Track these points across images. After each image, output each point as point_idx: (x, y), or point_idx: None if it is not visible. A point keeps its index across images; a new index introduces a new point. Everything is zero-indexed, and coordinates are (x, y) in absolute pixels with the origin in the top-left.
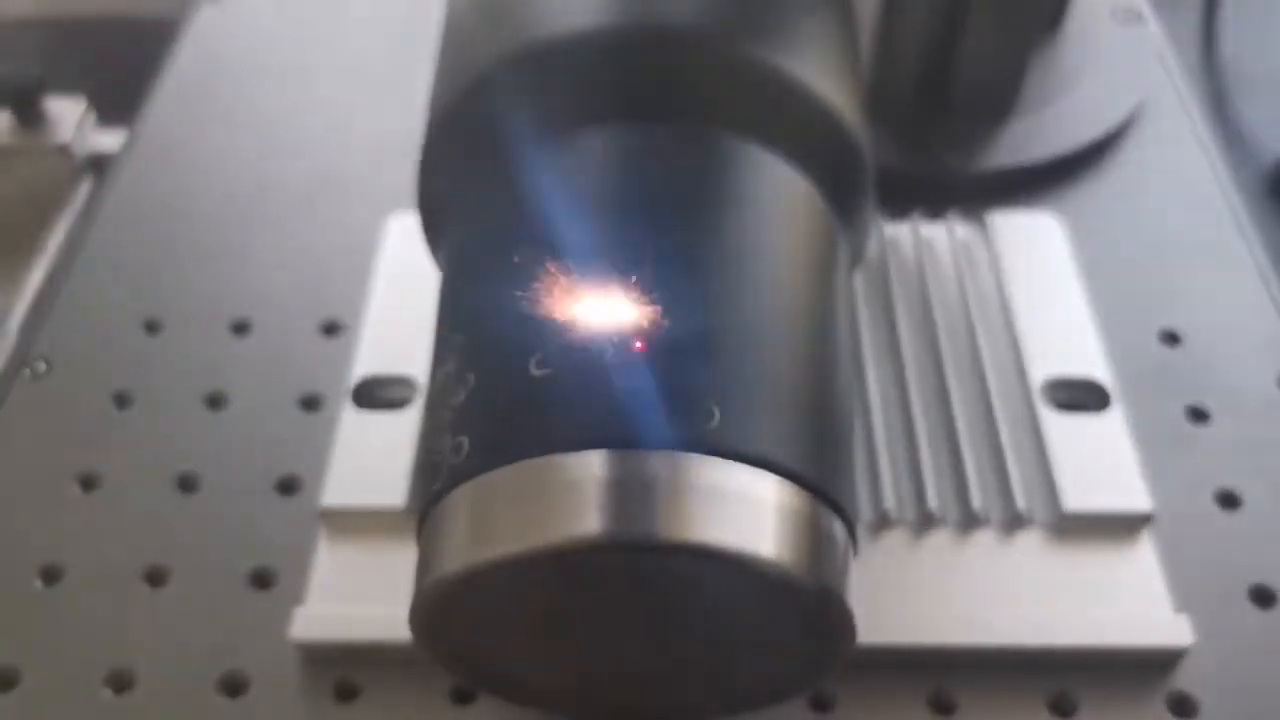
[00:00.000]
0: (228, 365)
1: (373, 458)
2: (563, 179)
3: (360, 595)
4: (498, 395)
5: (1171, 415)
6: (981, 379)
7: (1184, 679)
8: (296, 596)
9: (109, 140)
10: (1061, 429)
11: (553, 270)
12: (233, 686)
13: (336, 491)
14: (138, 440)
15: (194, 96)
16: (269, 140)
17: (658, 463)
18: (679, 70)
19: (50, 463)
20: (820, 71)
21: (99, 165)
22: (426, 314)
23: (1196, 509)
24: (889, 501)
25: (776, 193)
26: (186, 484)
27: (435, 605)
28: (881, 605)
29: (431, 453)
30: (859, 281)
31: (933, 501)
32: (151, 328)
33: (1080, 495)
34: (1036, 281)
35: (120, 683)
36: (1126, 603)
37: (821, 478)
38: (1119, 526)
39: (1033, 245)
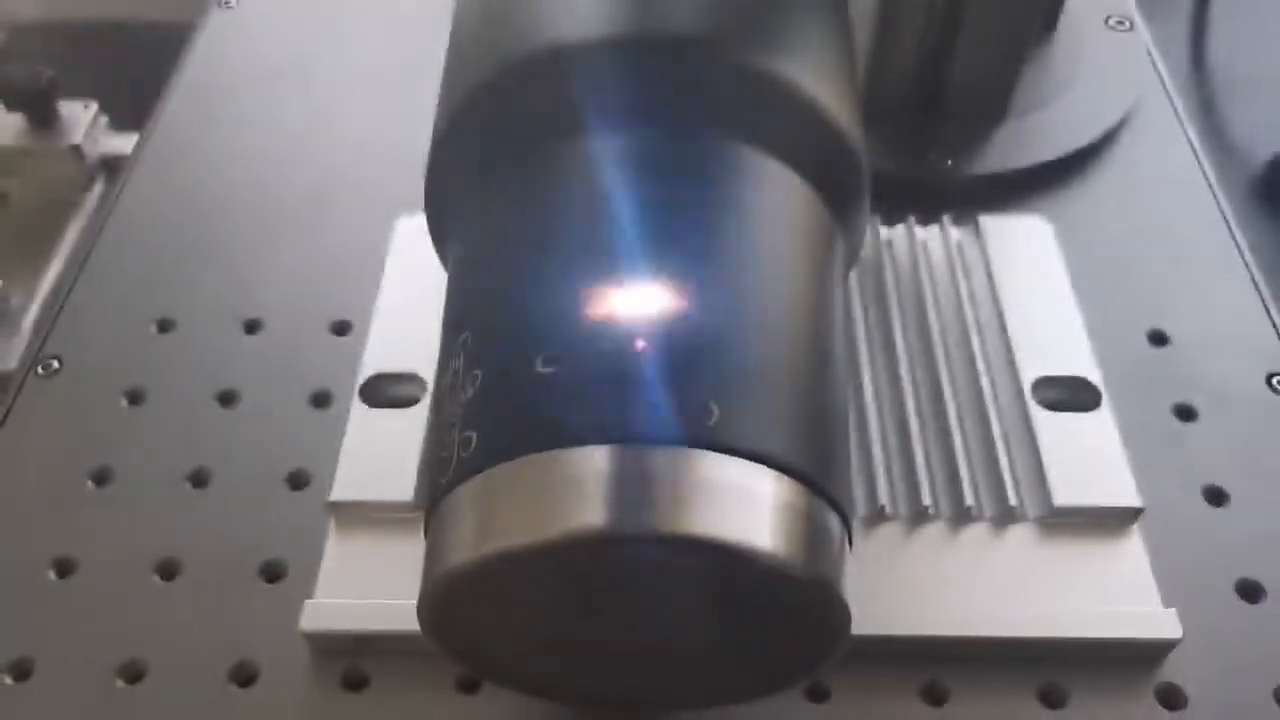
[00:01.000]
0: (239, 363)
1: (381, 453)
2: (566, 182)
3: (369, 587)
4: (504, 392)
5: (1160, 413)
6: (974, 377)
7: (1172, 671)
8: (306, 589)
9: (121, 142)
10: (1052, 426)
11: (557, 270)
12: (243, 677)
13: (345, 486)
14: (150, 436)
15: (205, 100)
16: (280, 142)
17: (659, 458)
18: (680, 76)
19: (64, 458)
20: (818, 77)
21: (112, 167)
22: (434, 314)
23: (1185, 505)
24: (884, 496)
25: (775, 196)
26: (198, 479)
27: (443, 597)
28: (876, 597)
29: (439, 447)
30: (856, 282)
31: (926, 497)
32: (164, 326)
33: (1071, 491)
34: (1028, 283)
35: (132, 673)
36: (1116, 596)
37: (818, 473)
38: (1109, 521)
39: (1024, 248)
